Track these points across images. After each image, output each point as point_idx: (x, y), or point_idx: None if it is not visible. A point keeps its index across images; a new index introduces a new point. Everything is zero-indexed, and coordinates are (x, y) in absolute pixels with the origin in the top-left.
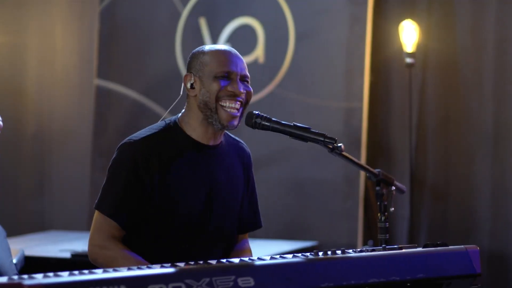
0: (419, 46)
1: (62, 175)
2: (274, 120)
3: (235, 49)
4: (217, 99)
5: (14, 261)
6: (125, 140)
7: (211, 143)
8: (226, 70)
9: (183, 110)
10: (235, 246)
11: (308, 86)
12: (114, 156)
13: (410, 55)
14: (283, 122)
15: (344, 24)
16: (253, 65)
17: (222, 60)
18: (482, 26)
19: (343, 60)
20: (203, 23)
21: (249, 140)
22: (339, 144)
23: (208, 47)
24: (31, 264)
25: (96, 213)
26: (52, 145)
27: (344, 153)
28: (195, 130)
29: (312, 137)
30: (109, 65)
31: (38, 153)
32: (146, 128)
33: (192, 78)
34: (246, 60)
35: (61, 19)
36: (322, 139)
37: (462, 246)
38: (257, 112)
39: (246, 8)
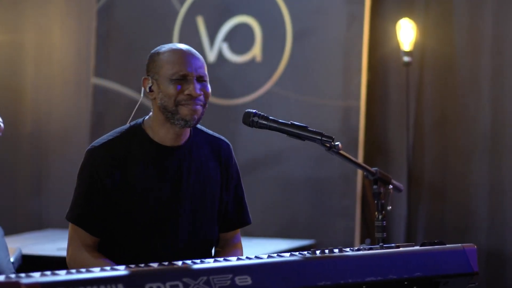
0: (416, 45)
1: (59, 174)
2: (271, 119)
3: (233, 47)
4: (176, 103)
5: (12, 259)
6: (89, 146)
7: (174, 144)
8: (181, 72)
9: (150, 112)
10: (225, 244)
11: (305, 85)
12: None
13: (408, 53)
14: (280, 120)
15: (342, 22)
16: (250, 63)
17: (177, 62)
18: (480, 24)
19: (340, 59)
20: (200, 21)
21: (246, 139)
22: (336, 143)
23: (164, 48)
24: (28, 263)
25: (69, 224)
26: (49, 143)
27: (341, 151)
28: (157, 132)
29: (309, 135)
30: (107, 63)
31: (35, 151)
32: (111, 131)
33: (150, 81)
34: (243, 59)
35: (58, 17)
36: (320, 137)
37: (459, 244)
38: (254, 111)
39: (243, 7)
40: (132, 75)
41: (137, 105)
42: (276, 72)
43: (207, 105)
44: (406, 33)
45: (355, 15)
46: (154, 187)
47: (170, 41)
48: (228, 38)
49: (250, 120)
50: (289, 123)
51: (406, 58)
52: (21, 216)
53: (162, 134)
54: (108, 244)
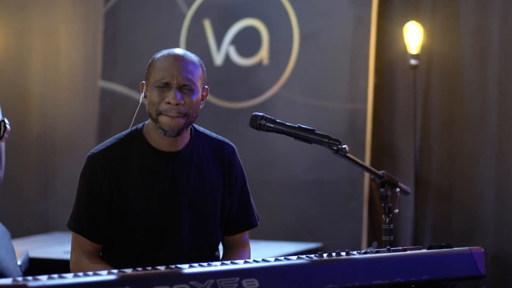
0: (423, 48)
1: (66, 177)
2: (278, 122)
3: (240, 50)
4: (157, 112)
5: (19, 262)
6: (89, 152)
7: (171, 149)
8: (163, 80)
9: None
10: (233, 246)
11: (312, 88)
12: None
13: (415, 56)
14: (287, 123)
15: (348, 25)
16: (257, 66)
17: (163, 69)
18: (487, 27)
19: (347, 62)
20: (207, 25)
21: (253, 142)
22: (343, 146)
23: (159, 53)
24: (35, 266)
25: (72, 232)
26: (56, 147)
27: (348, 154)
28: (153, 138)
29: (316, 138)
30: (114, 66)
31: (42, 154)
32: (113, 137)
33: (145, 87)
34: (250, 62)
35: (65, 20)
36: (327, 140)
37: (467, 247)
38: (261, 114)
39: (250, 10)
40: (140, 78)
41: (137, 109)
42: (283, 75)
43: (193, 115)
44: (413, 36)
45: (362, 18)
46: (152, 194)
47: (177, 45)
48: (235, 41)
49: (257, 123)
50: (296, 126)
51: (413, 61)
52: (28, 219)
53: (157, 140)
54: (111, 251)
